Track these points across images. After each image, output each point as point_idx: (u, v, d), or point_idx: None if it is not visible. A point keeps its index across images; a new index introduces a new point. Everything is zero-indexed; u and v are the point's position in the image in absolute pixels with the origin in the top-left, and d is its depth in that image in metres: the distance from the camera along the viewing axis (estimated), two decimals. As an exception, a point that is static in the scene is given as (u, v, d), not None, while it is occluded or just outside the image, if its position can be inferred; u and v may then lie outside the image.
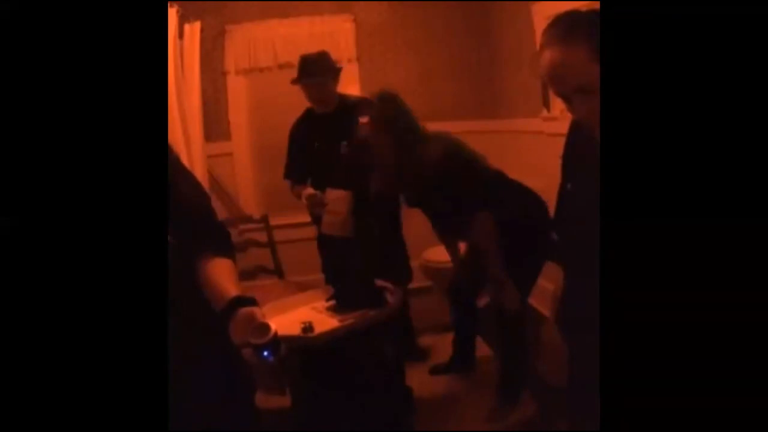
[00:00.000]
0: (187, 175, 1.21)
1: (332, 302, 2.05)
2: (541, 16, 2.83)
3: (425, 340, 2.91)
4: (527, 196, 2.16)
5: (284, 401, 2.27)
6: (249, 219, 3.30)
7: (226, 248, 1.20)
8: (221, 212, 3.24)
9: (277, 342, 0.99)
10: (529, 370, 2.31)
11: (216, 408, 1.22)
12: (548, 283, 2.66)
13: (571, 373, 1.35)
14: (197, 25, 3.13)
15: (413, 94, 2.81)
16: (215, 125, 3.61)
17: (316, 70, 2.42)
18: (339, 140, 2.48)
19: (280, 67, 3.53)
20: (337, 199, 2.35)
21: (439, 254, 2.81)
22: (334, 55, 2.60)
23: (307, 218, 2.71)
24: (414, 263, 2.77)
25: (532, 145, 2.58)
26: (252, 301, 1.06)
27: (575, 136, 1.27)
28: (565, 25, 1.00)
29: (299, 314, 2.01)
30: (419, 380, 2.52)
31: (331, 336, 1.87)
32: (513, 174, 2.26)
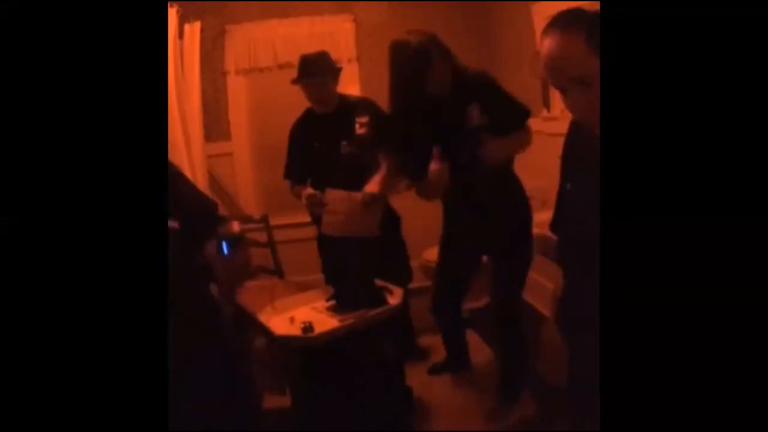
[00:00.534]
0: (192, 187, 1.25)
1: (332, 302, 2.05)
2: (541, 16, 2.83)
3: (425, 340, 2.91)
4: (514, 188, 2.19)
5: (284, 401, 2.27)
6: (249, 219, 3.29)
7: None
8: (221, 212, 3.23)
9: (237, 239, 1.13)
10: (528, 369, 2.30)
11: (216, 408, 1.23)
12: (548, 283, 2.66)
13: (571, 373, 1.35)
14: (197, 25, 3.12)
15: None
16: (215, 125, 3.60)
17: (316, 70, 2.42)
18: (339, 140, 2.48)
19: (280, 67, 3.53)
20: (337, 199, 2.35)
21: (439, 254, 2.81)
22: (334, 55, 2.60)
23: (307, 218, 2.71)
24: (414, 263, 2.77)
25: (533, 145, 2.58)
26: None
27: (575, 136, 1.27)
28: (566, 18, 1.02)
29: (299, 314, 2.01)
30: (419, 380, 2.51)
31: (331, 336, 1.87)
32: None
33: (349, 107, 2.53)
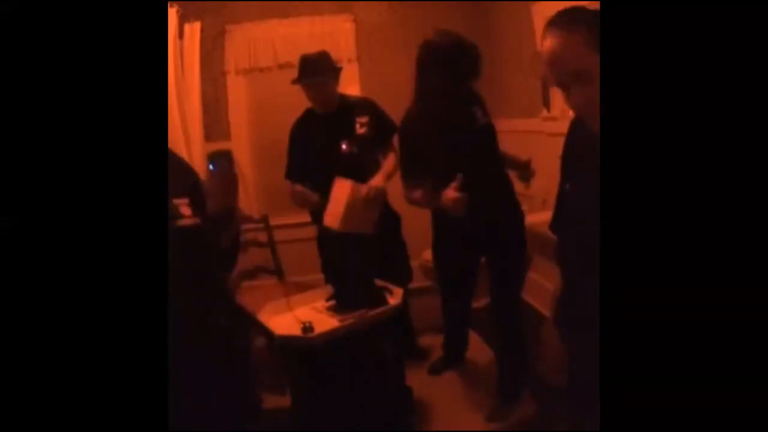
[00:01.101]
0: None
1: (332, 302, 2.05)
2: (541, 16, 2.83)
3: (425, 340, 2.91)
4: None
5: (284, 401, 2.27)
6: (249, 219, 3.29)
7: None
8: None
9: (227, 159, 1.23)
10: (528, 369, 2.31)
11: (216, 408, 1.23)
12: (548, 283, 2.66)
13: (571, 373, 1.35)
14: (197, 25, 3.12)
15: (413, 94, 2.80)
16: (215, 125, 3.60)
17: (316, 69, 2.42)
18: (339, 140, 2.48)
19: (280, 67, 3.53)
20: (343, 187, 2.34)
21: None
22: (334, 55, 2.59)
23: (307, 218, 2.71)
24: (414, 263, 2.77)
25: (532, 145, 2.58)
26: None
27: (574, 136, 1.27)
28: (566, 15, 1.04)
29: (299, 314, 2.01)
30: (419, 380, 2.52)
31: (331, 336, 1.87)
32: (513, 173, 2.27)
33: (349, 107, 2.53)
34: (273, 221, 3.13)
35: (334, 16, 3.64)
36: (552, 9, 1.09)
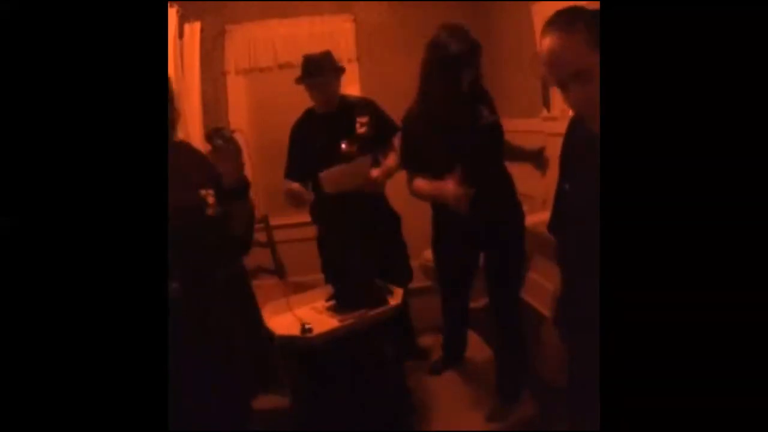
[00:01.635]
0: None
1: (332, 302, 2.05)
2: (541, 16, 2.83)
3: (425, 340, 2.91)
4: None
5: (284, 401, 2.27)
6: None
7: None
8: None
9: (226, 132, 1.40)
10: (528, 369, 2.31)
11: (216, 408, 1.22)
12: (548, 283, 2.66)
13: (571, 373, 1.35)
14: (197, 25, 3.12)
15: (413, 94, 2.80)
16: (215, 125, 3.60)
17: (319, 69, 2.42)
18: (339, 140, 2.48)
19: (280, 67, 3.53)
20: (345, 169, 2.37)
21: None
22: (334, 55, 2.60)
23: (307, 218, 2.71)
24: (414, 263, 2.77)
25: (532, 145, 2.59)
26: None
27: (573, 136, 1.27)
28: (565, 15, 1.04)
29: (299, 314, 2.01)
30: (419, 380, 2.51)
31: (331, 336, 1.87)
32: (513, 173, 2.27)
33: (350, 107, 2.54)
34: (273, 221, 3.14)
35: (334, 16, 3.64)
36: (552, 9, 1.09)
